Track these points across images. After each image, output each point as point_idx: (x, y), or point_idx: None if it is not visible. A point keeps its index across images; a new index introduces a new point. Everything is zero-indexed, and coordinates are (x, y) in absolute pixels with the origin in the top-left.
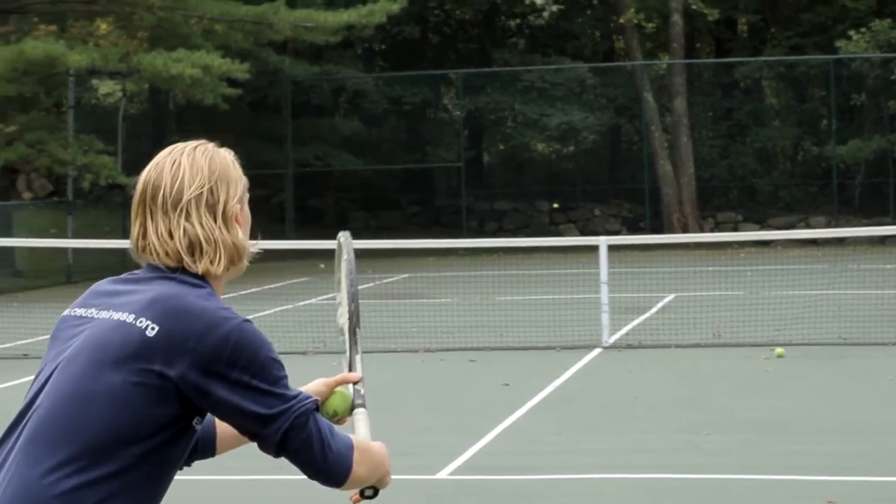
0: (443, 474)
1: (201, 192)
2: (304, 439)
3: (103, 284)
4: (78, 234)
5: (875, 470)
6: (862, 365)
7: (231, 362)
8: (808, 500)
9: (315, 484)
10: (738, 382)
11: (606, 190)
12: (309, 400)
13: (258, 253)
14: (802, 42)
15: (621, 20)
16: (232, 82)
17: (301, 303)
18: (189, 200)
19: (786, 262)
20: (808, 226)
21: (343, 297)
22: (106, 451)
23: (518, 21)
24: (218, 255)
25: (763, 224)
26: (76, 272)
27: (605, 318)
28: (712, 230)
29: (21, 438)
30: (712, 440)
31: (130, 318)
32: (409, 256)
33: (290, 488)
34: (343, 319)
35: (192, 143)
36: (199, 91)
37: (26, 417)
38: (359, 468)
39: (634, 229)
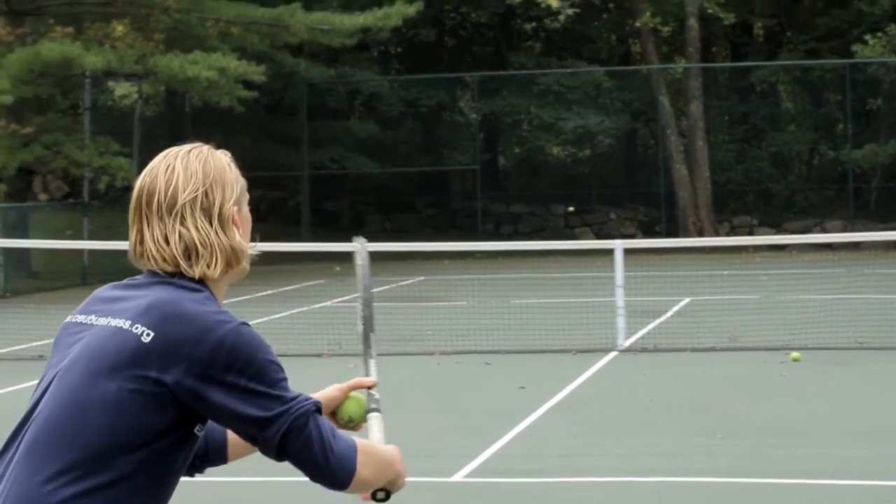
0: (458, 477)
1: (196, 196)
2: (304, 441)
3: (104, 290)
4: (94, 236)
5: (891, 474)
6: (878, 369)
7: (227, 366)
8: None
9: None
10: (754, 386)
11: (622, 193)
12: (308, 401)
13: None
14: (818, 46)
15: (637, 24)
16: (248, 85)
17: (316, 305)
18: (184, 205)
19: (801, 267)
20: (824, 230)
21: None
22: (104, 459)
23: (534, 24)
24: (214, 259)
25: (779, 228)
26: (92, 274)
27: (620, 322)
28: (728, 234)
29: (21, 447)
30: (727, 444)
31: (127, 325)
32: (425, 259)
33: (301, 490)
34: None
35: (187, 147)
36: (215, 93)
37: (27, 426)
38: (363, 470)
39: (650, 233)
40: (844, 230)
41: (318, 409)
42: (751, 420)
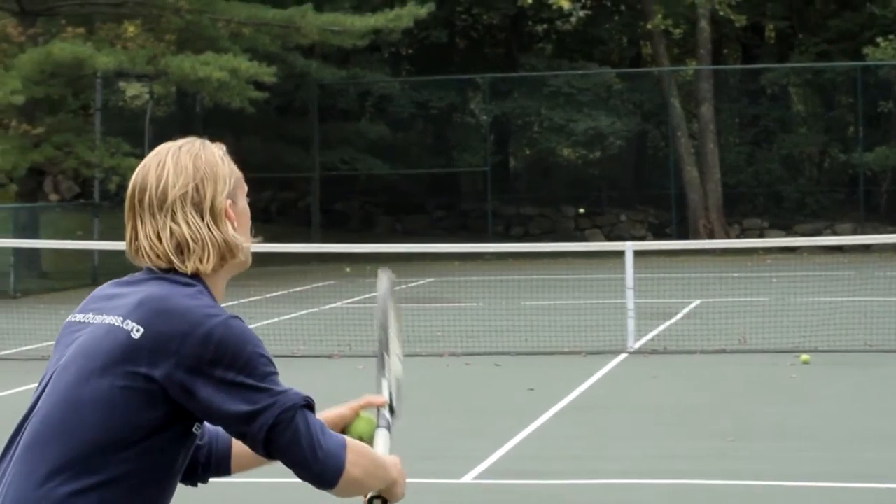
0: (467, 478)
1: (186, 192)
2: (290, 435)
3: (104, 288)
4: (104, 237)
5: None
6: (888, 372)
7: (214, 360)
8: None
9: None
10: (764, 389)
11: (632, 195)
12: (298, 396)
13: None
14: (830, 49)
15: (649, 26)
16: (259, 85)
17: (327, 306)
18: (174, 200)
19: (812, 269)
20: (835, 233)
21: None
22: (99, 458)
23: (545, 26)
24: (206, 253)
25: (789, 231)
26: (102, 274)
27: (630, 324)
28: (738, 236)
29: (19, 447)
30: (737, 446)
31: (118, 322)
32: (435, 260)
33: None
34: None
35: (179, 142)
36: (227, 94)
37: (25, 425)
38: (353, 469)
39: (660, 235)
40: (855, 233)
41: (308, 404)
42: (761, 422)
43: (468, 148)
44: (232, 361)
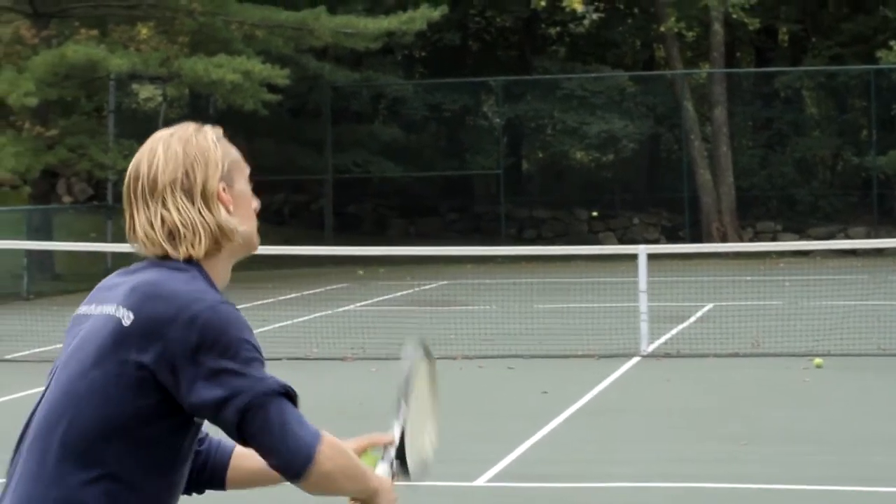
0: (480, 481)
1: (175, 178)
2: (262, 422)
3: (109, 278)
4: (117, 239)
5: None
6: None
7: (198, 345)
8: None
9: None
10: (776, 393)
11: (645, 199)
12: (276, 383)
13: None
14: (843, 52)
15: (662, 29)
16: (272, 88)
17: (340, 309)
18: (164, 187)
19: (825, 273)
20: (848, 236)
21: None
22: (99, 449)
23: (558, 29)
24: (198, 238)
25: (802, 234)
26: None
27: (643, 327)
28: (751, 240)
29: (27, 440)
30: (750, 450)
31: (113, 310)
32: (448, 263)
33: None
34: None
35: (171, 129)
36: (240, 96)
37: (33, 420)
38: (326, 463)
39: (673, 238)
40: (868, 236)
41: (287, 392)
42: (773, 426)
43: (481, 150)
44: (214, 345)
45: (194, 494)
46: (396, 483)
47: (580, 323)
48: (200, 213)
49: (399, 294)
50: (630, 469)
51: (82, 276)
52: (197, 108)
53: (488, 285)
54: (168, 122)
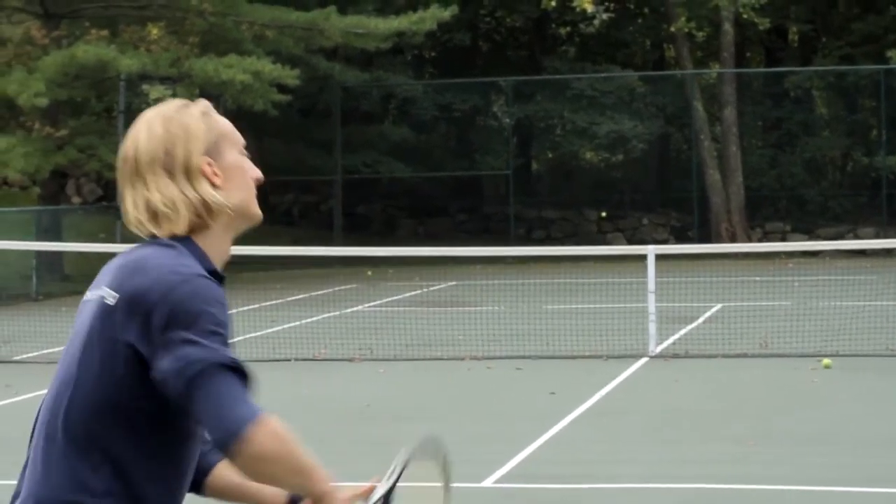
0: (488, 482)
1: (155, 157)
2: (204, 392)
3: (109, 262)
4: (127, 240)
5: None
6: None
7: (169, 318)
8: None
9: None
10: (785, 393)
11: (655, 199)
12: (226, 356)
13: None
14: (853, 52)
15: (672, 29)
16: (282, 88)
17: (348, 310)
18: (145, 167)
19: (834, 273)
20: (857, 237)
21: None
22: (98, 433)
23: (568, 29)
24: (178, 216)
25: (811, 234)
26: None
27: (652, 328)
28: (760, 240)
29: (35, 433)
30: (758, 451)
31: (102, 292)
32: (457, 264)
33: None
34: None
35: (157, 107)
36: (250, 97)
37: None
38: (259, 444)
39: (682, 239)
40: (877, 237)
41: (236, 368)
42: (781, 427)
43: (491, 151)
44: (181, 318)
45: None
46: None
47: (589, 323)
48: (182, 190)
49: (408, 295)
50: (638, 469)
51: (91, 277)
52: None
53: (497, 286)
54: None
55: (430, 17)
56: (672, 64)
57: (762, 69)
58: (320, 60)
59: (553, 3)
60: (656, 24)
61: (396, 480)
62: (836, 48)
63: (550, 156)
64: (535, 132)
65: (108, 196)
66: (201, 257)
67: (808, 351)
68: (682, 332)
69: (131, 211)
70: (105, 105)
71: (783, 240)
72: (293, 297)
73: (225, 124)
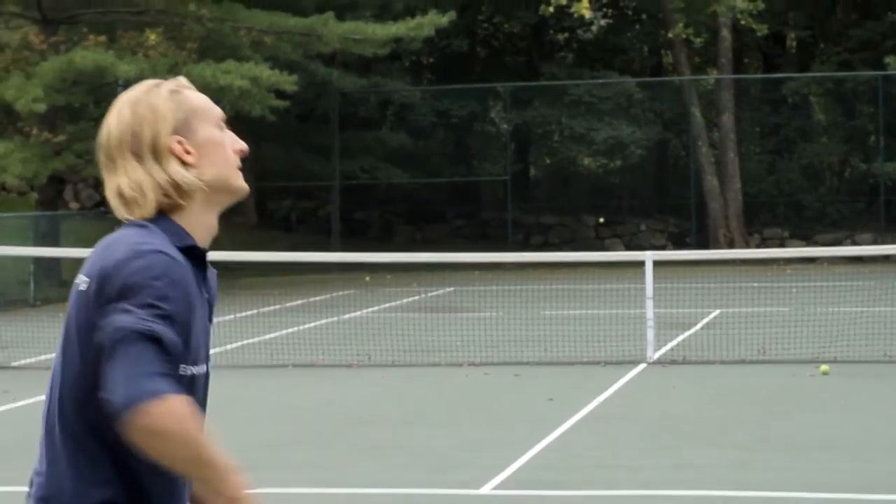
0: (486, 489)
1: (123, 141)
2: (119, 357)
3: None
4: None
5: None
6: None
7: (119, 291)
8: None
9: None
10: (783, 399)
11: (652, 205)
12: (146, 324)
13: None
14: (851, 58)
15: (670, 35)
16: (280, 94)
17: (346, 315)
18: (115, 153)
19: (831, 279)
20: (855, 243)
21: None
22: (91, 421)
23: (566, 35)
24: (145, 198)
25: (809, 240)
26: None
27: (650, 334)
28: (758, 246)
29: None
30: (757, 457)
31: (79, 279)
32: (455, 270)
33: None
34: None
35: (128, 91)
36: (247, 102)
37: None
38: (158, 415)
39: (680, 244)
40: (875, 243)
41: (160, 341)
42: (779, 433)
43: (489, 157)
44: (127, 290)
45: None
46: None
47: (586, 330)
48: (149, 172)
49: (406, 300)
50: (636, 476)
51: None
52: None
53: (495, 292)
54: None
55: (427, 23)
56: (670, 70)
57: (760, 75)
58: (318, 66)
59: (551, 9)
60: (654, 31)
61: None
62: (833, 54)
63: (548, 162)
64: (532, 138)
65: (105, 202)
66: (179, 234)
67: (806, 357)
68: (680, 338)
69: (109, 197)
70: (103, 111)
71: (781, 246)
72: (291, 303)
73: (197, 100)
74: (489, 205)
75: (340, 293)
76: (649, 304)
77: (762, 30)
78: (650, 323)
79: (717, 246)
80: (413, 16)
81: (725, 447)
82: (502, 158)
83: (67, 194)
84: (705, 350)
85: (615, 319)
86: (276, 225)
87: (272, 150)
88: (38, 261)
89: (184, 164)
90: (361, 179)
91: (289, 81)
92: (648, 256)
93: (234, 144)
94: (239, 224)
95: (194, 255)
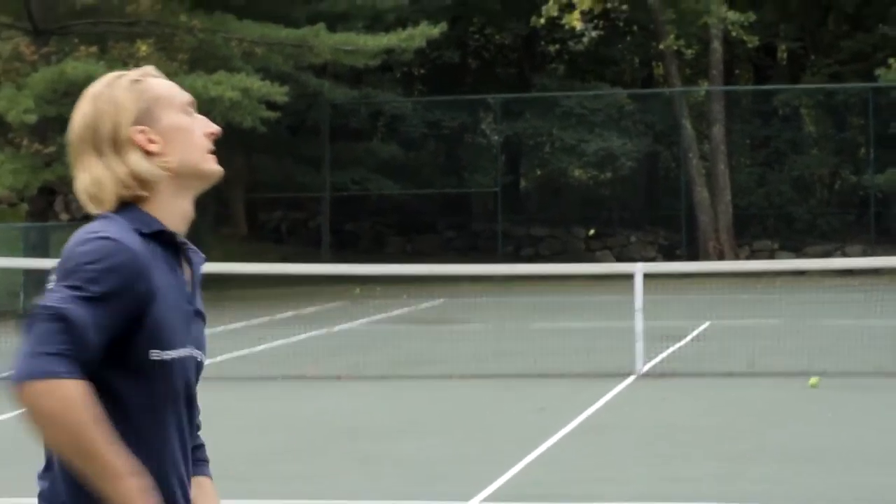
0: (475, 502)
1: (83, 138)
2: (30, 332)
3: None
4: None
5: None
6: None
7: (57, 275)
8: None
9: None
10: (772, 412)
11: (643, 217)
12: (60, 308)
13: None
14: (842, 70)
15: (661, 46)
16: (271, 105)
17: (336, 328)
18: (77, 150)
19: (821, 292)
20: (845, 255)
21: None
22: None
23: (558, 46)
24: (105, 193)
25: (799, 253)
26: None
27: (639, 346)
28: (748, 258)
29: None
30: (746, 469)
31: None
32: (445, 282)
33: None
34: None
35: (92, 85)
36: (238, 114)
37: None
38: (41, 395)
39: (670, 256)
40: (865, 255)
41: (66, 319)
42: (769, 445)
43: (479, 168)
44: (63, 272)
45: None
46: None
47: (576, 342)
48: (108, 166)
49: (396, 312)
50: (626, 489)
51: None
52: None
53: (485, 304)
54: None
55: (419, 35)
56: (661, 82)
57: (751, 87)
58: (309, 77)
59: (542, 21)
60: (645, 42)
61: None
62: (824, 66)
63: (539, 173)
64: (523, 149)
65: None
66: (146, 221)
67: (796, 369)
68: (670, 350)
69: (77, 194)
70: None
71: (771, 258)
72: (281, 315)
73: (160, 87)
74: (480, 216)
75: (330, 305)
76: (639, 316)
77: (753, 41)
78: (639, 335)
79: (707, 258)
80: (404, 27)
81: (715, 460)
82: (493, 170)
83: (58, 205)
84: (695, 362)
85: (605, 332)
86: (267, 236)
87: (263, 161)
88: (28, 272)
89: (148, 153)
90: (352, 191)
91: (280, 92)
92: (638, 269)
93: (206, 128)
94: (229, 235)
95: (163, 239)
